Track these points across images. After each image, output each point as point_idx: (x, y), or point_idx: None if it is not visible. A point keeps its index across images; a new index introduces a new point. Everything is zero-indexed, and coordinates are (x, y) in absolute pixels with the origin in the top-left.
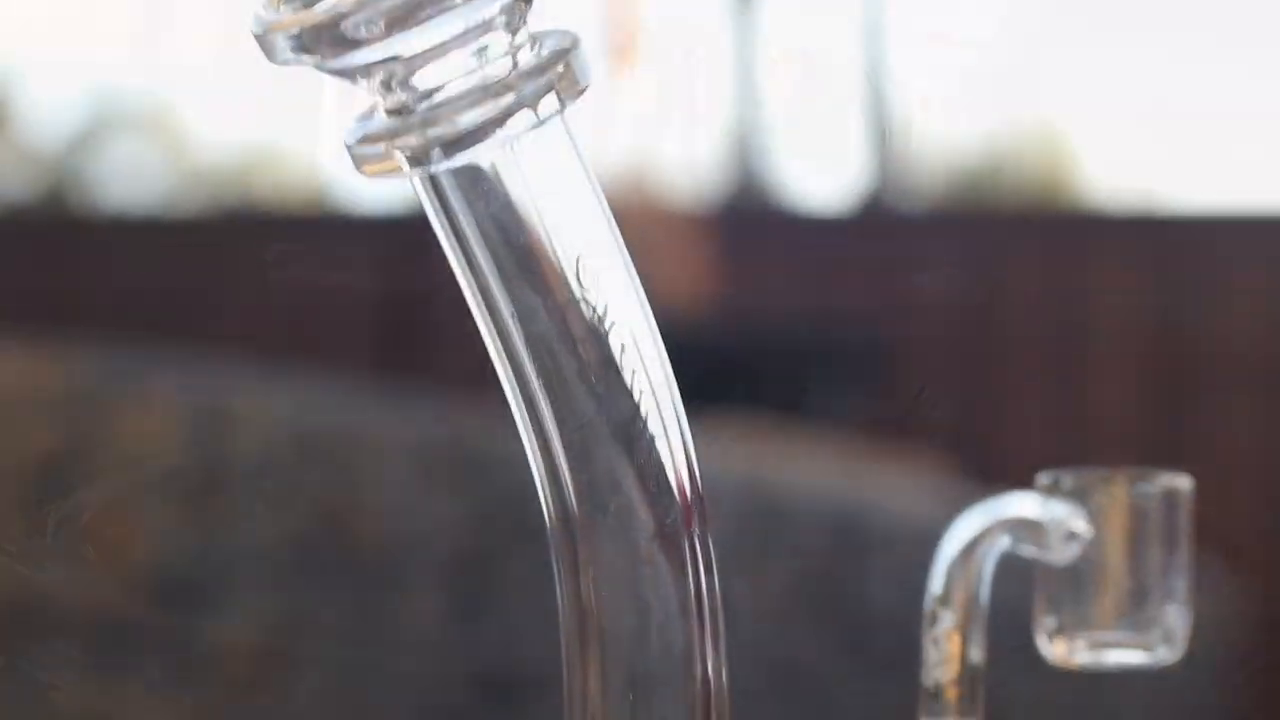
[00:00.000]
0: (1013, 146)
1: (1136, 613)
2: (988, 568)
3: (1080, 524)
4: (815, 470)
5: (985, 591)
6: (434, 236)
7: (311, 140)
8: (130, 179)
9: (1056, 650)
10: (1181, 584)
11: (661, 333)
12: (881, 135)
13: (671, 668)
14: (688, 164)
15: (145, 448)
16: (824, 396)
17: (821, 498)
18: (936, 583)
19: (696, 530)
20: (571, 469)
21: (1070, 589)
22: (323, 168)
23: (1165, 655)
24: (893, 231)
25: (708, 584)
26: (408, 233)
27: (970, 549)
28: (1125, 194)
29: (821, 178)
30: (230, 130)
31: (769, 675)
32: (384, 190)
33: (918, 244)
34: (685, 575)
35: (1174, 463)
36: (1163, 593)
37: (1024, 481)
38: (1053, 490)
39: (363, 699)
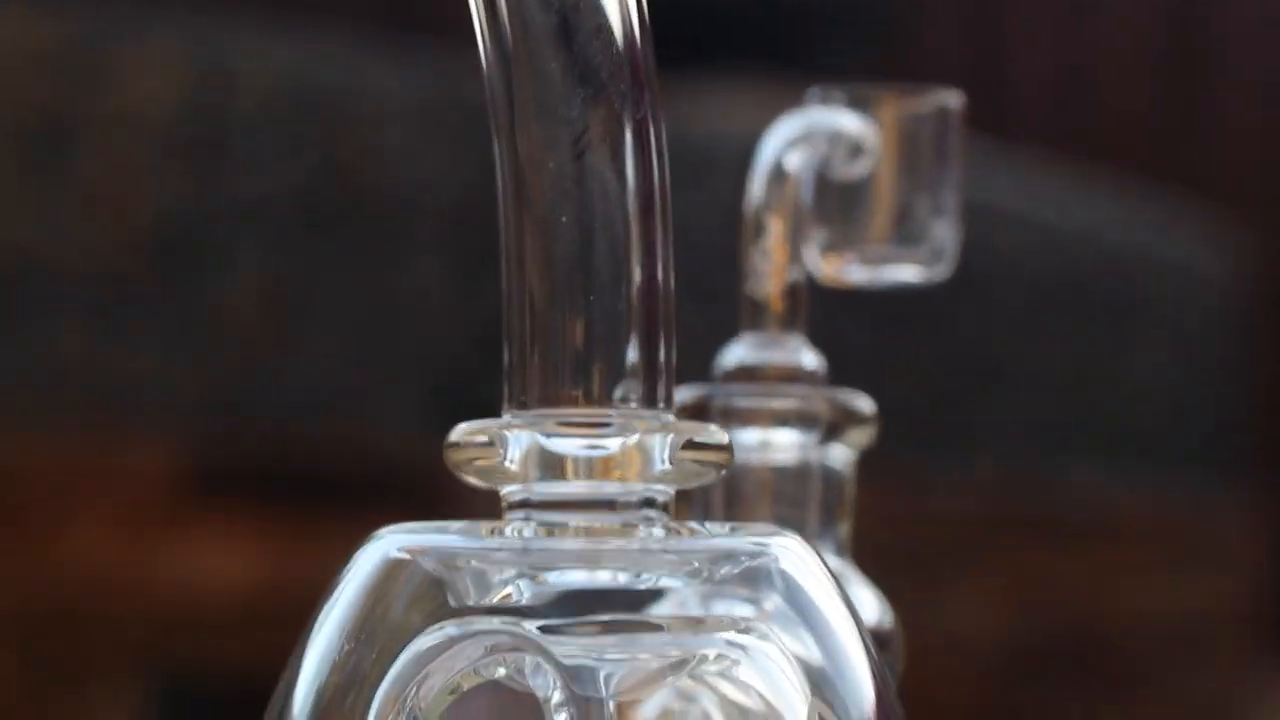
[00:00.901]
0: None
1: (906, 228)
2: (807, 177)
3: (872, 139)
4: None
5: (807, 202)
6: None
7: None
8: None
9: (827, 267)
10: (952, 200)
11: None
12: None
13: (617, 267)
14: None
15: (145, 103)
16: (829, 51)
17: None
18: (757, 190)
19: (650, 128)
20: (515, 61)
21: (841, 205)
22: None
23: (937, 272)
24: None
25: (659, 182)
26: None
27: (786, 157)
28: None
29: None
30: None
31: None
32: None
33: None
34: (628, 171)
35: (1184, 123)
36: (933, 208)
37: (1029, 134)
38: (827, 102)
39: (366, 354)
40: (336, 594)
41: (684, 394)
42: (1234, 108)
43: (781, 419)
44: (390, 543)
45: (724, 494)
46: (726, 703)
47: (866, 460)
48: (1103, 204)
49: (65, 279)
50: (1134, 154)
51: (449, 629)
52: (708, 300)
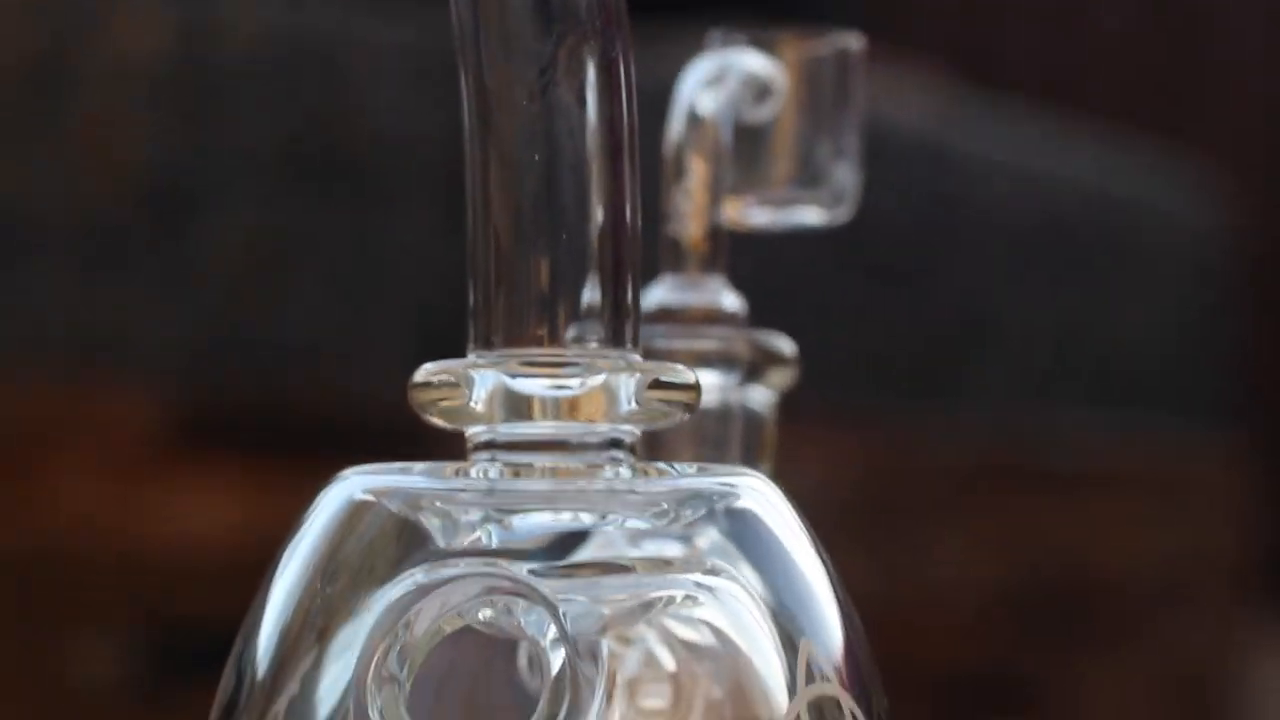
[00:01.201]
0: None
1: (808, 171)
2: (726, 119)
3: (780, 81)
4: None
5: (728, 143)
6: None
7: None
8: None
9: (729, 209)
10: (852, 142)
11: None
12: None
13: (583, 207)
14: None
15: (134, 53)
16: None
17: None
18: (676, 129)
19: (620, 67)
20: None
21: (744, 147)
22: None
23: (839, 214)
24: None
25: (628, 122)
26: None
27: (700, 99)
28: None
29: None
30: None
31: (764, 280)
32: None
33: None
34: (595, 110)
35: (1174, 73)
36: (834, 151)
37: (1019, 83)
38: (729, 44)
39: (355, 303)
40: (300, 535)
41: None
42: (1225, 58)
43: (702, 360)
44: (354, 484)
45: (645, 436)
46: (679, 643)
47: (855, 410)
48: (1092, 154)
49: (52, 228)
50: (1124, 104)
51: (419, 575)
52: None
